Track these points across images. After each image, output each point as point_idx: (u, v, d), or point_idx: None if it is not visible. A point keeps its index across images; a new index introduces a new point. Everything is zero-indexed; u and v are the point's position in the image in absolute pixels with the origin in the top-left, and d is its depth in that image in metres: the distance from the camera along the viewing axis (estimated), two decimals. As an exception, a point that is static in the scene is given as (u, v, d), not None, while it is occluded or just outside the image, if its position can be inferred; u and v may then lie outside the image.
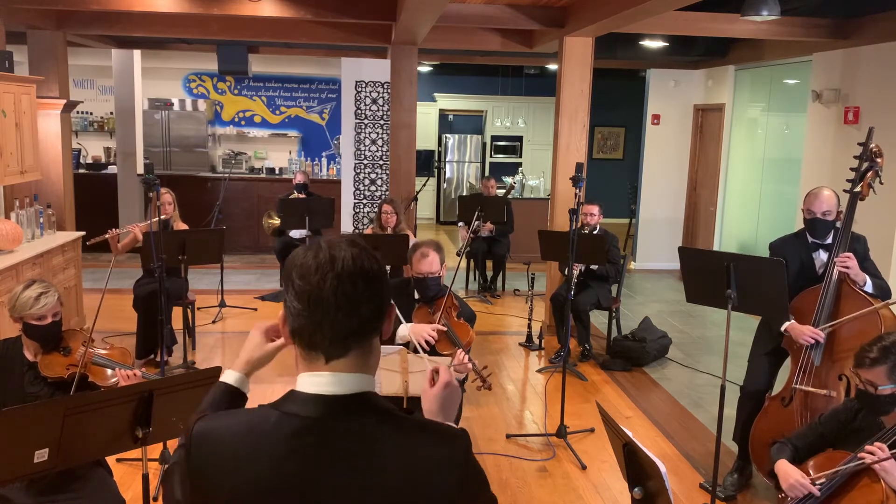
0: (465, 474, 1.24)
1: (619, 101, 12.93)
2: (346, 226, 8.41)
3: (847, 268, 3.56)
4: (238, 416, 1.27)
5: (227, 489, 1.20)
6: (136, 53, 9.68)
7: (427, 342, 3.54)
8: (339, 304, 1.18)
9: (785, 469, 2.88)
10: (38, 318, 3.02)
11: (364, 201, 8.44)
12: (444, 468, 1.21)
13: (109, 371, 3.13)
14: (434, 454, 1.22)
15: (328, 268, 1.19)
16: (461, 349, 3.51)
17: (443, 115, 13.68)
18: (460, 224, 8.47)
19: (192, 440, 1.25)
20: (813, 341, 3.60)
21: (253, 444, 1.20)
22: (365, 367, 1.25)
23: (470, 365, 3.37)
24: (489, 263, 8.50)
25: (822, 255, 3.81)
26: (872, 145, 3.69)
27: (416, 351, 3.40)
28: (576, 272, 5.84)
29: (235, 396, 1.48)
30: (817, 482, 2.75)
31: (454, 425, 1.33)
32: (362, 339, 1.23)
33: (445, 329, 3.63)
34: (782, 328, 3.74)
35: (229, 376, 1.49)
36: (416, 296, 3.84)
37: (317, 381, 1.22)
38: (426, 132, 13.12)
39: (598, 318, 6.94)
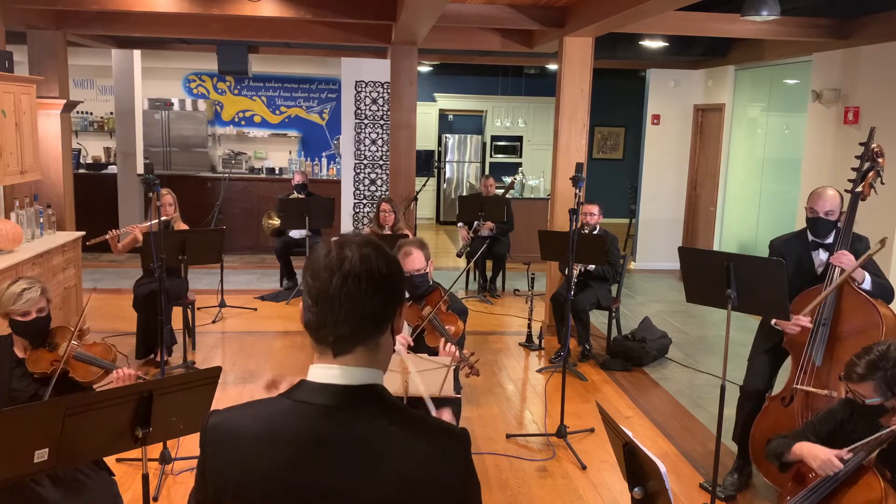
0: (462, 472, 1.27)
1: (619, 101, 12.92)
2: (346, 226, 8.41)
3: (842, 263, 3.57)
4: (251, 407, 1.31)
5: (239, 475, 1.23)
6: (136, 53, 9.67)
7: (416, 337, 3.67)
8: (343, 302, 1.22)
9: (808, 449, 2.84)
10: (23, 314, 3.07)
11: (364, 201, 8.43)
12: (444, 463, 1.25)
13: (94, 368, 3.17)
14: (436, 449, 1.25)
15: (336, 267, 1.23)
16: (448, 339, 3.58)
17: (443, 115, 13.68)
18: (460, 224, 8.47)
19: (207, 432, 1.28)
20: (798, 329, 3.61)
21: (264, 431, 1.24)
22: (373, 362, 1.29)
23: (457, 353, 3.44)
24: (489, 263, 8.50)
25: (821, 255, 3.82)
26: (874, 145, 3.70)
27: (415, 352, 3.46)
28: (576, 272, 5.84)
29: None
30: (845, 457, 2.74)
31: (456, 426, 1.37)
32: (367, 338, 1.26)
33: (427, 327, 3.72)
34: (772, 322, 3.76)
35: None
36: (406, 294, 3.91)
37: (327, 373, 1.26)
38: (426, 132, 13.11)
39: (598, 318, 6.94)
